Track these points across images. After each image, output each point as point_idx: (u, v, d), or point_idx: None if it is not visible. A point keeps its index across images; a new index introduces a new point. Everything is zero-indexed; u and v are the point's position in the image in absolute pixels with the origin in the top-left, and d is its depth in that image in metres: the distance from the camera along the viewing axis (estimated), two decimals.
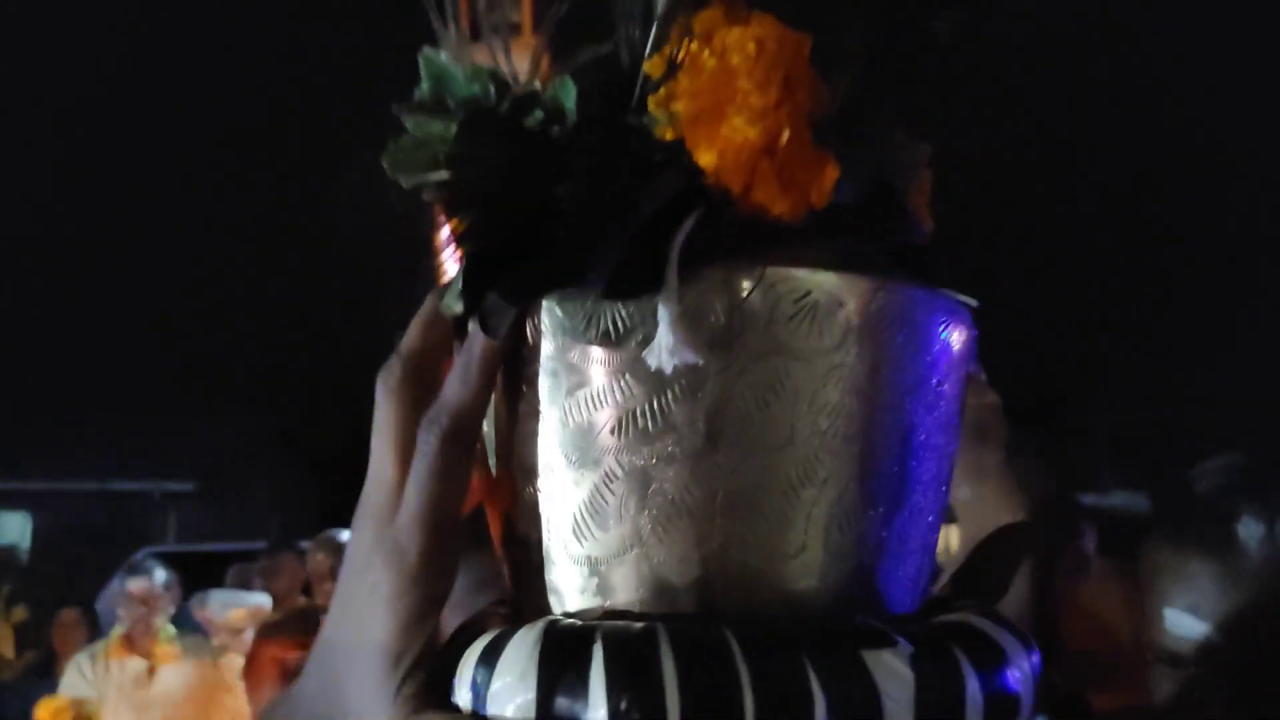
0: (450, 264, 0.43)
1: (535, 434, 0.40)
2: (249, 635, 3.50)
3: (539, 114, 0.39)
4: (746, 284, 0.37)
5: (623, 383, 0.38)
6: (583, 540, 0.39)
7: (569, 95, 0.39)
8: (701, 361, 0.36)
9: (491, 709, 0.36)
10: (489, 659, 0.37)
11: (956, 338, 0.42)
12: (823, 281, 0.38)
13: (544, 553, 0.41)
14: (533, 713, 0.35)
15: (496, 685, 0.37)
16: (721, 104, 0.36)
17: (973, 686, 0.37)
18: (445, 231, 0.42)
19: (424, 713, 0.37)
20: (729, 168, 0.36)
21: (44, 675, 4.26)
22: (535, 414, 0.40)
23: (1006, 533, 0.52)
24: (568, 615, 0.39)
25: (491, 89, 0.42)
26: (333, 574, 4.37)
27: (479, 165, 0.39)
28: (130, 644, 3.41)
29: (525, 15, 5.09)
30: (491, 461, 0.44)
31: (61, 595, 6.81)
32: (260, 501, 12.44)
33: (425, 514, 0.38)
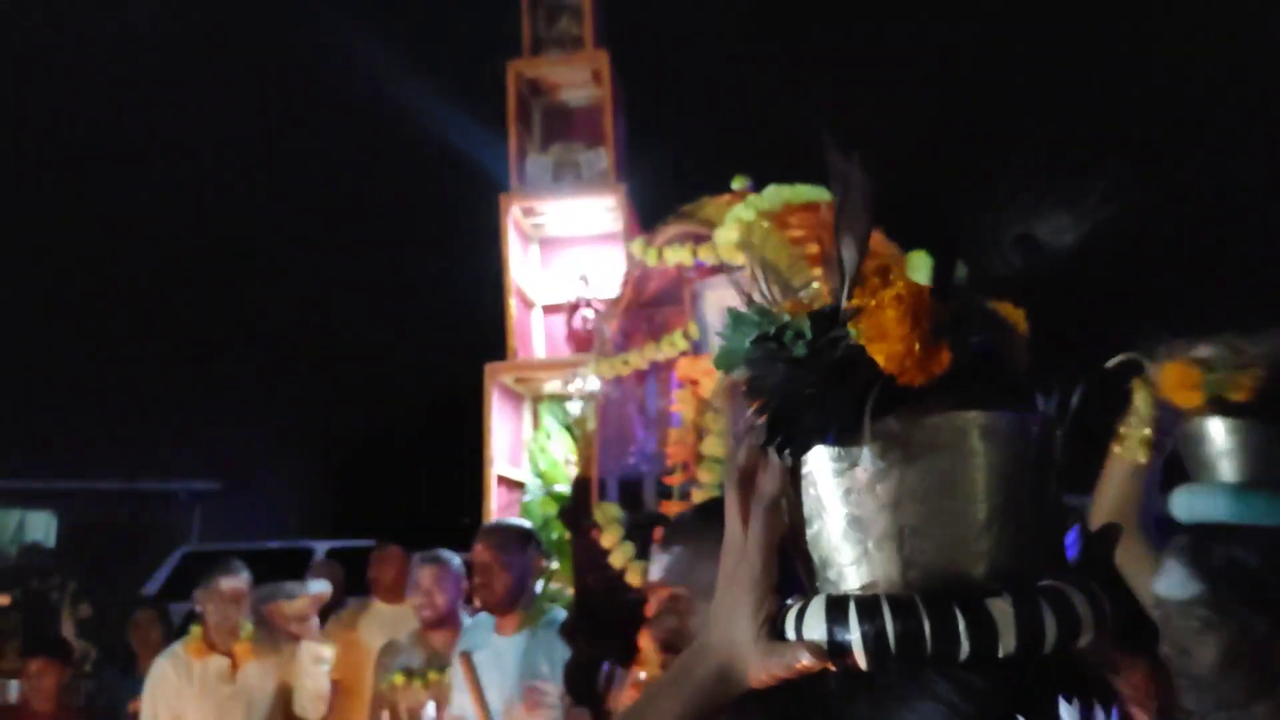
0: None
1: (809, 502, 0.82)
2: (314, 623, 3.70)
3: (791, 334, 0.78)
4: (917, 422, 0.75)
5: (852, 477, 0.78)
6: (839, 555, 0.79)
7: (808, 324, 0.78)
8: (885, 465, 0.76)
9: (806, 635, 0.77)
10: (801, 614, 0.78)
11: (1044, 434, 0.81)
12: (960, 418, 0.76)
13: (820, 563, 0.81)
14: (824, 636, 0.75)
15: (809, 623, 0.77)
16: (884, 331, 0.75)
17: (1050, 620, 0.72)
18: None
19: (771, 640, 0.79)
20: (889, 363, 0.74)
21: (127, 672, 4.47)
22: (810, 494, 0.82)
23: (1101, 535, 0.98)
24: (833, 594, 0.79)
25: (771, 322, 0.81)
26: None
27: (764, 368, 0.79)
28: (212, 641, 3.52)
29: (586, 31, 5.52)
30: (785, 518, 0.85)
31: (82, 594, 7.05)
32: (281, 501, 12.69)
33: (761, 547, 0.81)
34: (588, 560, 2.67)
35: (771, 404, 0.79)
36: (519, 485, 5.17)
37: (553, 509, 5.12)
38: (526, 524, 3.10)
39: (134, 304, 13.22)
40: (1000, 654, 0.72)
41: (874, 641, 0.73)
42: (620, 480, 2.78)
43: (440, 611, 3.25)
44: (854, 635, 0.73)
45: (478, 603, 4.50)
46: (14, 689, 4.11)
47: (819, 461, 0.79)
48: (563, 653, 2.68)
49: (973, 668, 0.72)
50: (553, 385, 5.26)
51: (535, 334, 5.38)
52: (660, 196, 5.66)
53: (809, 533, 0.81)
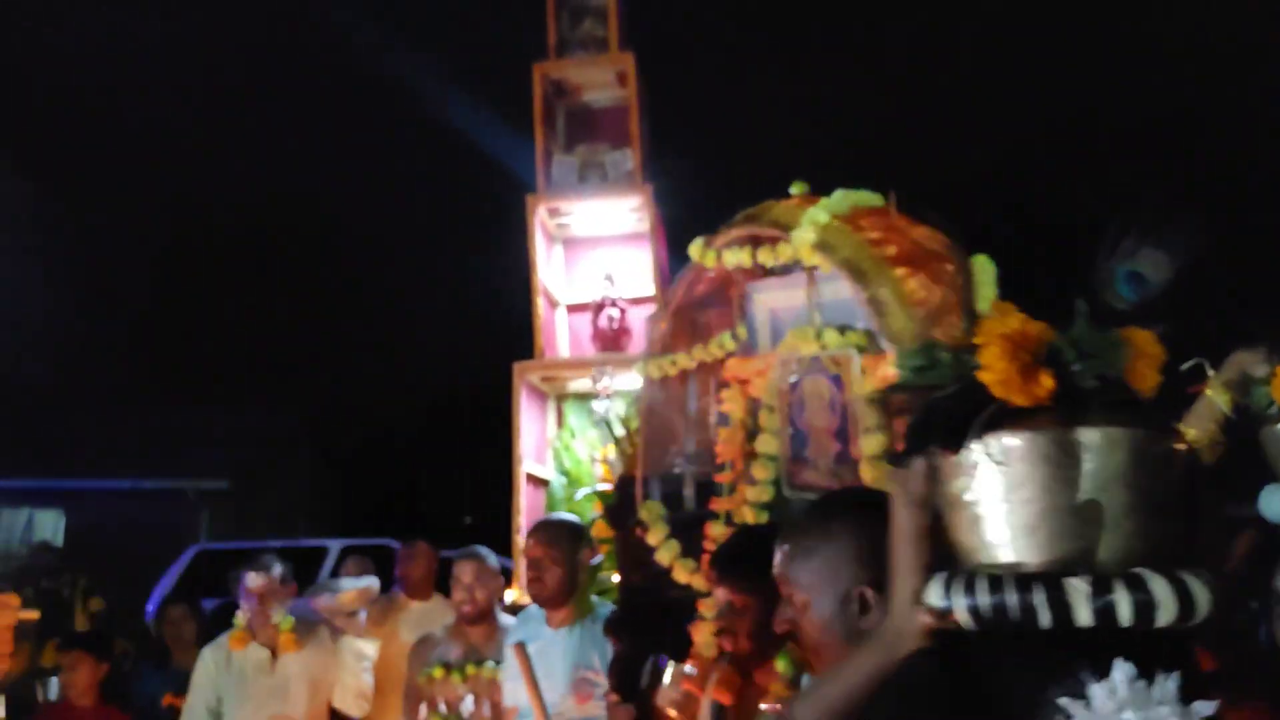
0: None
1: (967, 492, 1.06)
2: (362, 616, 3.73)
3: (939, 364, 1.07)
4: (1025, 434, 1.01)
5: (985, 477, 1.04)
6: (986, 534, 1.01)
7: (953, 356, 1.10)
8: (1005, 470, 1.01)
9: (953, 603, 1.01)
10: (949, 584, 1.06)
11: (1163, 449, 1.01)
12: (1065, 432, 0.98)
13: (971, 546, 1.04)
14: (989, 602, 0.96)
15: (956, 591, 1.04)
16: (995, 362, 0.99)
17: (1168, 594, 0.94)
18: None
19: (921, 605, 1.07)
20: (995, 389, 1.00)
21: (161, 666, 4.49)
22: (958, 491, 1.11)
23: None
24: (980, 569, 1.05)
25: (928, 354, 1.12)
26: None
27: (924, 385, 1.08)
28: (252, 634, 3.57)
29: (611, 32, 5.57)
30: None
31: (92, 590, 7.09)
32: (289, 500, 12.74)
33: (918, 536, 1.09)
34: (632, 558, 2.73)
35: (918, 419, 1.04)
36: (544, 482, 5.23)
37: (581, 506, 5.19)
38: (576, 519, 3.15)
39: (145, 302, 13.26)
40: (1107, 624, 0.93)
41: (1007, 612, 0.96)
42: (661, 479, 2.83)
43: (481, 607, 3.30)
44: (1012, 599, 0.96)
45: (520, 597, 4.59)
46: (53, 687, 4.16)
47: (963, 464, 1.00)
48: (609, 646, 2.74)
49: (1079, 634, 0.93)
50: (577, 384, 5.32)
51: (560, 333, 5.43)
52: (681, 196, 5.74)
53: (961, 520, 1.01)
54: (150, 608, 8.87)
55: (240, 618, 3.60)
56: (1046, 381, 0.98)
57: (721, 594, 2.11)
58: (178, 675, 4.17)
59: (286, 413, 12.07)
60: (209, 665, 3.59)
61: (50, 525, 12.80)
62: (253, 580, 3.55)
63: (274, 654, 3.56)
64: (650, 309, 5.31)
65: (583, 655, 2.83)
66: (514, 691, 2.94)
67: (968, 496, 1.03)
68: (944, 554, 1.05)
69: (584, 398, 5.32)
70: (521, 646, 2.88)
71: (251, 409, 11.66)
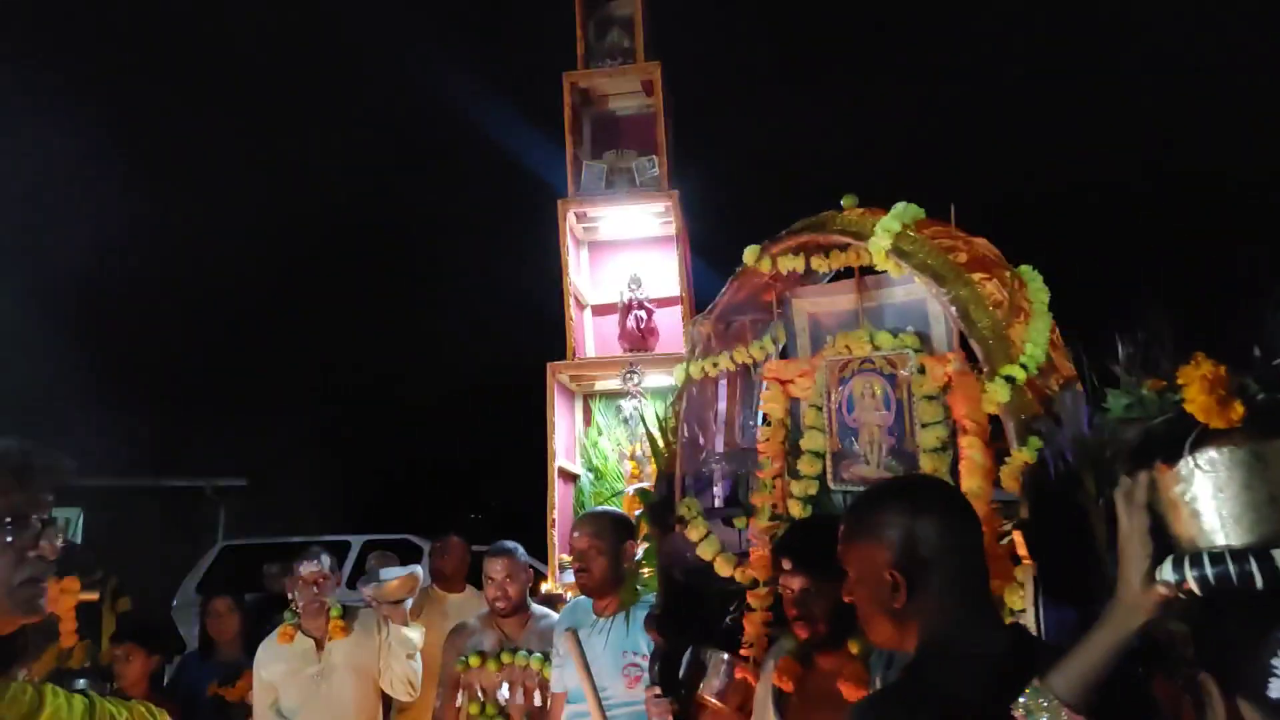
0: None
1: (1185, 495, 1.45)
2: (407, 606, 3.80)
3: (1149, 399, 1.52)
4: (1227, 448, 1.38)
5: (1200, 481, 1.42)
6: (1204, 524, 1.39)
7: (1157, 395, 1.51)
8: (1214, 474, 1.40)
9: (1187, 575, 1.35)
10: (1178, 562, 1.39)
11: None
12: (1253, 444, 1.38)
13: (1191, 534, 1.40)
14: (1215, 572, 1.32)
15: (1188, 567, 1.37)
16: (1198, 396, 1.37)
17: None
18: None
19: (1149, 581, 1.38)
20: (1198, 415, 1.38)
21: (205, 658, 4.56)
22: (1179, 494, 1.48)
23: None
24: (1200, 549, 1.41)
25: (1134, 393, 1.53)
26: None
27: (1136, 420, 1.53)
28: (298, 626, 3.64)
29: (638, 42, 5.70)
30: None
31: (121, 590, 7.19)
32: (305, 496, 12.87)
33: (1137, 529, 1.43)
34: (673, 554, 2.84)
35: (1138, 443, 1.45)
36: (574, 477, 5.37)
37: (607, 501, 5.33)
38: (621, 512, 3.27)
39: (161, 305, 13.41)
40: None
41: (1230, 579, 1.29)
42: (696, 477, 2.96)
43: (514, 601, 3.41)
44: (1211, 572, 1.31)
45: (554, 588, 4.72)
46: (79, 684, 4.22)
47: (1180, 474, 1.37)
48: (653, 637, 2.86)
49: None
50: (603, 383, 5.46)
51: (587, 333, 5.57)
52: (702, 201, 5.88)
53: (1181, 516, 1.38)
54: (175, 603, 9.04)
55: (290, 608, 3.68)
56: (1238, 408, 1.34)
57: (797, 581, 2.19)
58: (222, 666, 4.28)
59: (303, 411, 12.22)
60: (264, 657, 3.68)
61: (69, 523, 12.94)
62: (307, 569, 3.64)
63: (319, 643, 3.64)
64: (676, 310, 5.47)
65: (630, 641, 2.94)
66: (563, 677, 3.06)
67: (1186, 497, 1.39)
68: (1162, 543, 1.40)
69: (611, 396, 5.46)
70: (574, 633, 3.00)
71: (269, 408, 11.81)
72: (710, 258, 5.74)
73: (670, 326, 5.38)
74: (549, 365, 5.16)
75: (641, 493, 3.13)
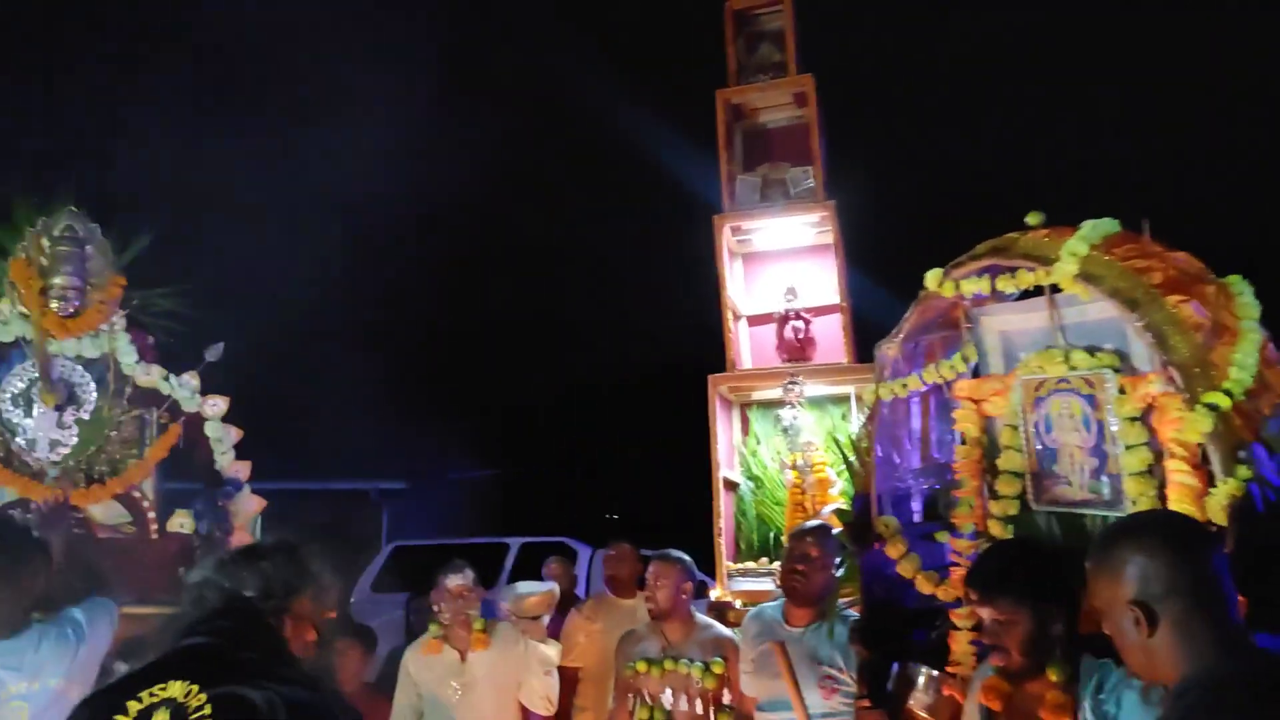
0: None
1: None
2: (544, 622, 3.85)
3: None
4: None
5: None
6: None
7: None
8: None
9: None
10: None
11: None
12: None
13: None
14: None
15: None
16: None
17: None
18: None
19: None
20: None
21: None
22: None
23: None
24: None
25: None
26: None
27: None
28: (447, 635, 3.72)
29: (789, 55, 5.76)
30: None
31: None
32: (460, 500, 13.50)
33: None
34: (872, 570, 2.91)
35: None
36: (734, 486, 5.49)
37: (768, 509, 5.43)
38: (834, 527, 3.33)
39: (329, 308, 14.21)
40: None
41: None
42: (892, 494, 3.02)
43: (661, 605, 3.47)
44: None
45: (723, 595, 4.87)
46: None
47: None
48: (854, 651, 2.94)
49: None
50: (760, 393, 5.55)
51: (742, 344, 5.67)
52: (853, 209, 5.87)
53: None
54: (353, 600, 9.68)
55: (436, 620, 3.75)
56: None
57: (987, 612, 2.20)
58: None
59: (461, 417, 12.79)
60: (408, 666, 3.77)
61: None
62: (454, 582, 3.71)
63: (463, 655, 3.69)
64: (832, 319, 5.50)
65: (825, 654, 3.03)
66: (756, 684, 3.17)
67: None
68: None
69: (768, 405, 5.54)
70: (782, 646, 3.10)
71: (429, 414, 12.42)
72: (863, 265, 5.76)
73: (828, 336, 5.42)
74: (710, 378, 5.29)
75: (839, 511, 3.21)
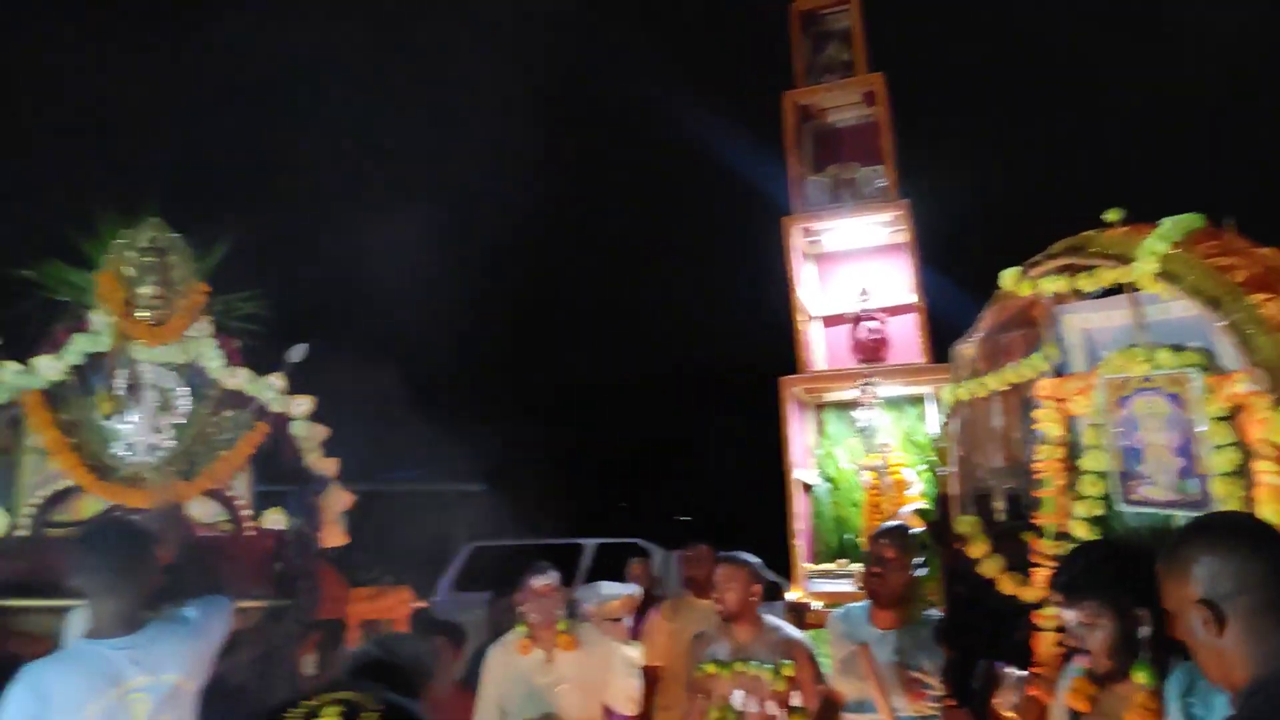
0: None
1: None
2: (626, 623, 4.06)
3: None
4: None
5: None
6: None
7: None
8: None
9: None
10: None
11: None
12: None
13: None
14: None
15: None
16: None
17: None
18: None
19: None
20: None
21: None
22: None
23: None
24: None
25: None
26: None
27: None
28: (534, 636, 3.73)
29: (857, 54, 5.73)
30: None
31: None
32: (535, 502, 13.68)
33: None
34: (955, 571, 2.89)
35: None
36: (808, 487, 5.48)
37: (844, 510, 5.41)
38: (916, 530, 3.33)
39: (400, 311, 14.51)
40: None
41: None
42: (974, 494, 2.99)
43: (729, 607, 3.47)
44: None
45: (801, 597, 4.87)
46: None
47: None
48: (939, 651, 2.92)
49: None
50: (834, 394, 5.53)
51: (815, 345, 5.65)
52: (921, 207, 5.80)
53: None
54: (438, 598, 9.92)
55: (523, 620, 3.78)
56: None
57: (1072, 615, 2.19)
58: None
59: (536, 421, 12.97)
60: (494, 664, 3.80)
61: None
62: (539, 582, 3.75)
63: (549, 654, 3.72)
64: (906, 319, 5.45)
65: (910, 656, 3.02)
66: (844, 685, 3.17)
67: None
68: None
69: (841, 406, 5.52)
70: (867, 648, 3.10)
71: (504, 417, 12.63)
72: (935, 263, 5.69)
73: (902, 336, 5.37)
74: (782, 380, 5.29)
75: (921, 511, 3.20)
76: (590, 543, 9.88)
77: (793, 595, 5.02)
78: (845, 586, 4.83)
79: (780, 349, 5.53)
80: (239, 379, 3.96)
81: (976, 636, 2.77)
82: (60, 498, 3.78)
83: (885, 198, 5.30)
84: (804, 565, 5.08)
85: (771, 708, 3.33)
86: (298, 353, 4.07)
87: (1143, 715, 2.10)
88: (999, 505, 2.98)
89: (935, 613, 3.07)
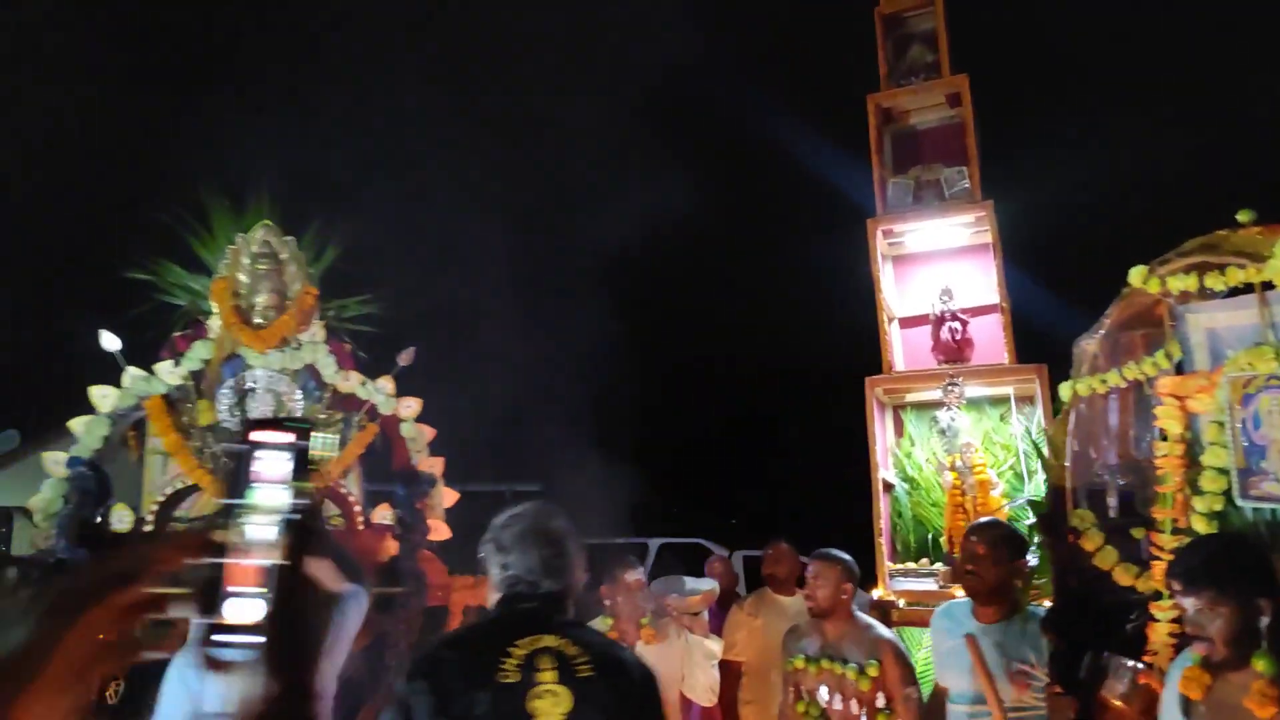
0: None
1: None
2: (704, 618, 3.99)
3: None
4: None
5: None
6: None
7: None
8: None
9: None
10: None
11: None
12: None
13: None
14: None
15: None
16: None
17: None
18: None
19: None
20: None
21: None
22: None
23: None
24: None
25: None
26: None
27: None
28: (617, 628, 3.79)
29: (942, 56, 5.73)
30: None
31: None
32: (596, 500, 13.79)
33: None
34: (1067, 562, 2.94)
35: None
36: (889, 487, 5.50)
37: (924, 510, 5.43)
38: (1013, 525, 3.37)
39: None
40: None
41: None
42: (1088, 489, 3.02)
43: (820, 604, 3.49)
44: None
45: (885, 595, 4.91)
46: None
47: None
48: (1045, 643, 2.97)
49: None
50: (914, 394, 5.55)
51: (895, 346, 5.68)
52: (1002, 208, 5.79)
53: None
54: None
55: (608, 612, 3.84)
56: None
57: (1190, 602, 2.22)
58: None
59: (594, 420, 13.04)
60: None
61: None
62: (631, 576, 3.84)
63: (631, 647, 3.66)
64: (989, 319, 5.45)
65: (1015, 649, 3.06)
66: (948, 678, 3.22)
67: None
68: None
69: (920, 407, 5.54)
70: (974, 639, 3.14)
71: (561, 416, 12.72)
72: (1017, 263, 5.68)
73: (985, 337, 5.38)
74: (867, 380, 5.32)
75: (1033, 504, 3.24)
76: (654, 542, 9.98)
77: (877, 593, 5.05)
78: (929, 585, 4.85)
79: (854, 350, 5.55)
80: (351, 382, 4.11)
81: (1086, 627, 2.81)
82: (182, 495, 3.97)
83: (969, 198, 5.31)
84: (887, 564, 5.12)
85: (854, 707, 3.34)
86: (406, 357, 4.21)
87: (1261, 702, 2.14)
88: (1111, 500, 3.02)
89: (1039, 608, 3.10)
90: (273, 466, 0.71)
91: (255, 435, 0.72)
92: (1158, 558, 2.70)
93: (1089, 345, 2.95)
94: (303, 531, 0.69)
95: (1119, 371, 2.90)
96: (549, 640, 1.82)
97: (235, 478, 0.70)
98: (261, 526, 0.68)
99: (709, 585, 4.45)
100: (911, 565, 5.11)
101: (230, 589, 0.66)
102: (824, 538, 4.63)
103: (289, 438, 0.72)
